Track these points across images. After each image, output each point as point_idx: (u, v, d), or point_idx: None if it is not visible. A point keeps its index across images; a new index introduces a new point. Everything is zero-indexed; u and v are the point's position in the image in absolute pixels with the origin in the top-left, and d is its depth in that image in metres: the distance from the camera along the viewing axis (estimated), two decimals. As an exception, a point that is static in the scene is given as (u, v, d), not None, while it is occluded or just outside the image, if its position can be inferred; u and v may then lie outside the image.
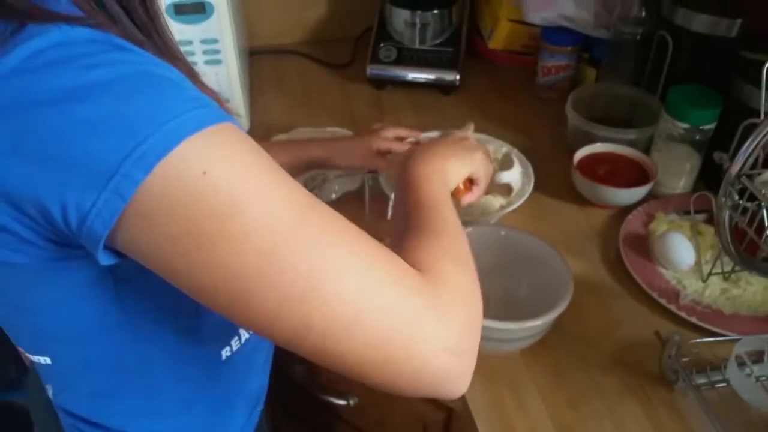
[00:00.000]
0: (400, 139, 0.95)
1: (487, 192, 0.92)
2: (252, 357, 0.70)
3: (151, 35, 0.46)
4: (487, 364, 0.79)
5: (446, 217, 0.60)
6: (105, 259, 0.41)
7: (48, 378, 0.62)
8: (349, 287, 0.42)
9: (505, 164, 0.96)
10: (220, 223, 0.39)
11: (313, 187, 0.89)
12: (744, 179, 0.65)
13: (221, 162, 0.40)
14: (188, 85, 0.43)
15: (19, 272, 0.46)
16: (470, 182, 0.82)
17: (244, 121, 1.16)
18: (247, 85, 1.26)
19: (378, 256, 0.45)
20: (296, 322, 0.42)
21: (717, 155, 0.66)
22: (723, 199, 0.68)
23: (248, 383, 0.71)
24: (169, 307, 0.55)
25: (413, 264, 0.49)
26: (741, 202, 0.70)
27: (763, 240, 0.69)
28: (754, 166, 0.65)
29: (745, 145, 0.63)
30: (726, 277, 0.80)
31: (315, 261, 0.41)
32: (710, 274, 0.81)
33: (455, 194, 0.79)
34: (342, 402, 0.95)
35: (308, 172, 0.94)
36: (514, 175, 0.95)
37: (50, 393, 0.64)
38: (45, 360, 0.56)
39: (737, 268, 0.76)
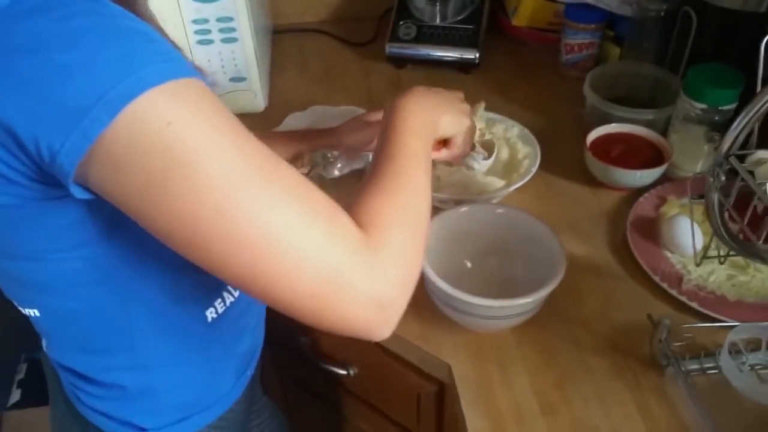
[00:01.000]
0: None
1: (451, 165, 0.94)
2: (240, 321, 0.71)
3: None
4: (476, 341, 0.79)
5: (414, 177, 0.61)
6: (78, 193, 0.45)
7: (40, 331, 0.65)
8: (290, 240, 0.46)
9: (486, 149, 0.94)
10: (180, 175, 0.43)
11: (317, 164, 0.90)
12: (732, 159, 0.62)
13: (185, 115, 0.43)
14: (159, 39, 0.46)
15: (6, 214, 0.50)
16: (443, 143, 0.81)
17: (261, 99, 1.17)
18: (267, 63, 1.27)
19: (321, 212, 0.49)
20: (243, 269, 0.46)
21: (708, 134, 0.63)
22: (711, 180, 0.65)
23: (236, 347, 0.73)
24: (151, 263, 0.58)
25: (359, 219, 0.52)
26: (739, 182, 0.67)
27: (746, 221, 0.66)
28: (746, 145, 0.63)
29: (735, 123, 0.61)
30: (721, 261, 0.78)
31: (263, 217, 0.45)
32: (704, 257, 0.79)
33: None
34: (343, 372, 0.97)
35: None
36: (482, 164, 0.93)
37: (44, 346, 0.67)
38: (34, 312, 0.59)
39: (732, 252, 0.74)
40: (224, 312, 0.67)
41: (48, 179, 0.45)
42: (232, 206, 0.44)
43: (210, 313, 0.66)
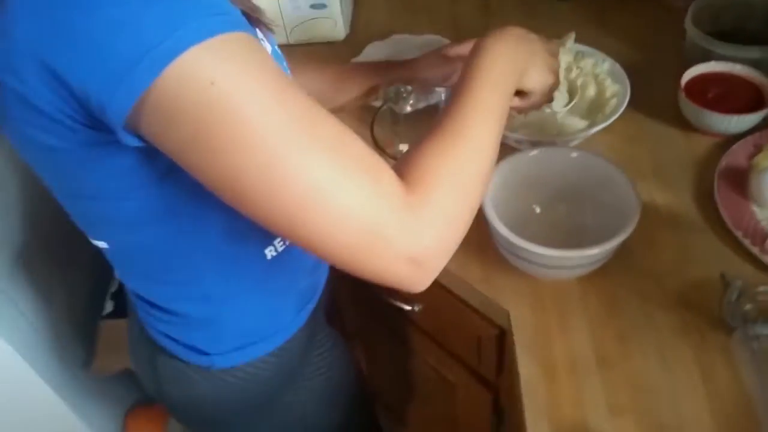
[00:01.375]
0: None
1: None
2: (301, 259, 0.74)
3: None
4: (539, 287, 0.79)
5: (479, 135, 0.58)
6: (129, 141, 0.48)
7: (110, 261, 0.70)
8: (332, 195, 0.47)
9: (569, 92, 0.90)
10: (224, 133, 0.44)
11: (389, 98, 0.89)
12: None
13: (229, 72, 0.43)
14: None
15: (68, 157, 0.53)
16: (517, 92, 0.76)
17: (341, 26, 1.16)
18: (350, -12, 1.25)
19: (364, 168, 0.49)
20: (286, 221, 0.48)
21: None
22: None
23: (295, 283, 0.76)
24: (207, 205, 0.60)
25: (408, 175, 0.53)
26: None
27: None
28: None
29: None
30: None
31: (306, 173, 0.46)
32: None
33: None
34: (408, 307, 0.99)
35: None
36: (560, 109, 0.89)
37: (117, 274, 0.73)
38: (103, 244, 0.64)
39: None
40: (284, 250, 0.70)
41: (100, 126, 0.47)
42: (276, 162, 0.45)
43: (269, 251, 0.69)
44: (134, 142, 0.48)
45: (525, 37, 0.71)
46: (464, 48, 0.92)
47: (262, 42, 0.58)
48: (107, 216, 0.60)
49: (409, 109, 0.90)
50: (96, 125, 0.48)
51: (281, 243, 0.69)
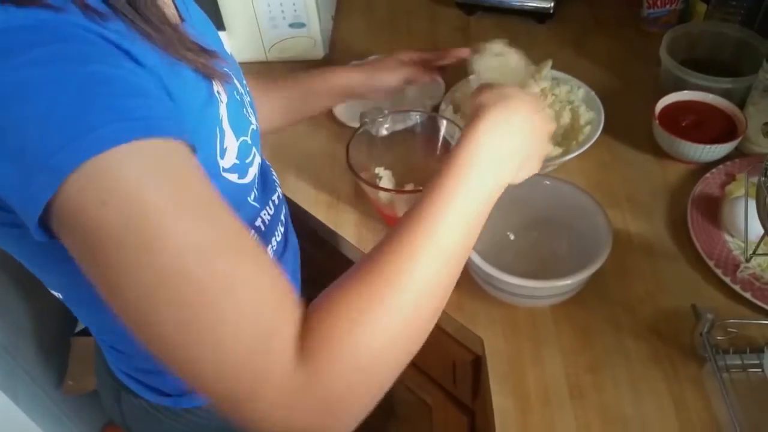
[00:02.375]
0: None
1: None
2: None
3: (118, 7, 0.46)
4: (513, 315, 0.79)
5: (426, 273, 0.48)
6: (39, 237, 0.42)
7: (70, 309, 0.67)
8: (214, 353, 0.41)
9: None
10: (113, 255, 0.40)
11: (365, 122, 0.89)
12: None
13: (123, 194, 0.39)
14: (128, 87, 0.42)
15: None
16: None
17: (320, 46, 1.16)
18: (331, 8, 1.25)
19: (262, 323, 0.42)
20: (162, 347, 0.42)
21: (765, 128, 0.58)
22: (762, 179, 0.60)
23: None
24: None
25: (311, 335, 0.44)
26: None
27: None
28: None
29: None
30: (776, 258, 0.73)
31: (189, 312, 0.41)
32: (754, 253, 0.74)
33: None
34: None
35: (366, 108, 0.93)
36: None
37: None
38: (58, 295, 0.62)
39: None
40: None
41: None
42: (159, 294, 0.40)
43: None
44: (44, 239, 0.43)
45: (509, 109, 0.58)
46: (419, 55, 0.94)
47: (218, 95, 0.55)
48: (53, 277, 0.59)
49: (385, 132, 0.90)
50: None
51: None
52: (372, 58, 1.15)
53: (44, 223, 0.41)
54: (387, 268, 0.47)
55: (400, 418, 1.29)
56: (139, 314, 0.41)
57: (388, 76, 0.91)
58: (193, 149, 0.46)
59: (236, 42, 1.14)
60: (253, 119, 0.64)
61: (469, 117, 0.58)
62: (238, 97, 0.60)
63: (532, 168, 0.61)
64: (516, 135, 0.57)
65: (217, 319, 0.41)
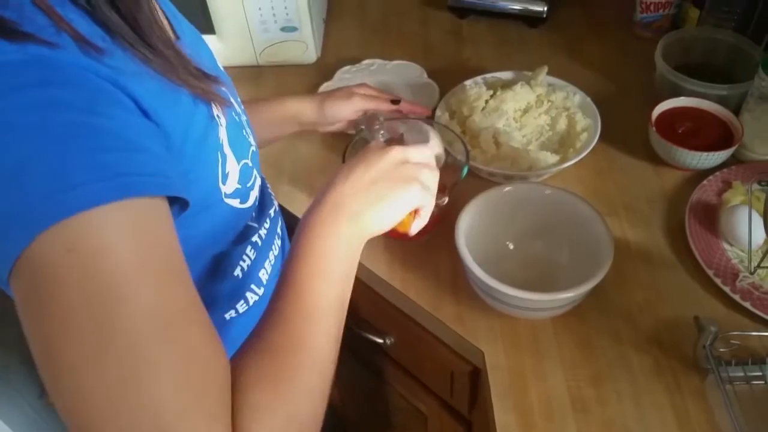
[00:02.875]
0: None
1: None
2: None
3: (121, 31, 0.44)
4: (514, 328, 0.78)
5: (317, 341, 0.50)
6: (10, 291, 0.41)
7: None
8: (147, 421, 0.39)
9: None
10: (64, 306, 0.38)
11: (361, 129, 0.87)
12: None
13: (91, 248, 0.38)
14: (124, 137, 0.40)
15: None
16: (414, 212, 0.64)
17: (312, 50, 1.14)
18: (322, 11, 1.23)
19: (198, 407, 0.40)
20: (83, 414, 0.39)
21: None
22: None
23: None
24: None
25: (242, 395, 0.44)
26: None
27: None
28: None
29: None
30: (779, 270, 0.73)
31: (129, 387, 0.38)
32: (759, 266, 0.74)
33: (399, 228, 0.62)
34: (379, 340, 0.98)
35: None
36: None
37: None
38: None
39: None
40: (245, 311, 0.67)
41: None
42: (98, 363, 0.38)
43: (229, 314, 0.66)
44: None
45: (352, 180, 0.58)
46: (377, 92, 0.93)
47: (218, 119, 0.54)
48: None
49: (381, 139, 0.89)
50: None
51: (243, 305, 0.67)
52: (366, 61, 1.15)
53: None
54: (294, 336, 0.49)
55: (395, 427, 1.28)
56: (73, 377, 0.38)
57: (343, 105, 0.89)
58: (179, 201, 0.45)
59: (226, 46, 1.12)
60: (251, 140, 0.63)
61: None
62: (236, 117, 0.59)
63: (394, 216, 0.59)
64: (370, 187, 0.57)
65: (159, 399, 0.39)
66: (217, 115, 0.54)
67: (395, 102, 0.92)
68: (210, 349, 0.43)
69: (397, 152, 0.60)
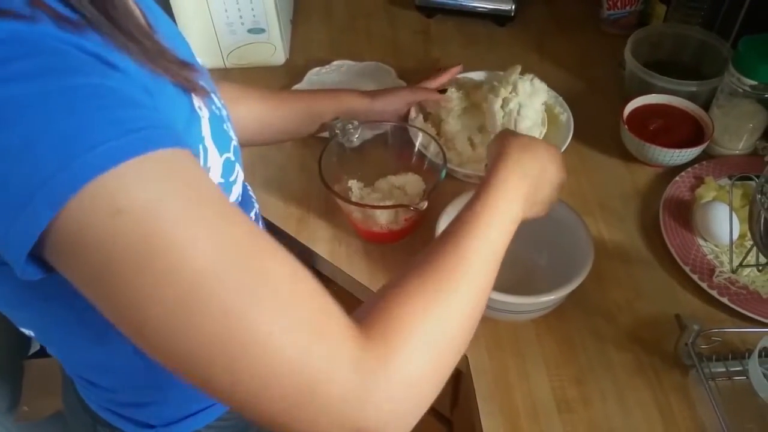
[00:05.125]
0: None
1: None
2: None
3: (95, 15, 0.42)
4: (496, 330, 0.77)
5: (476, 279, 0.51)
6: (30, 275, 0.39)
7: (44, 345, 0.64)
8: (267, 359, 0.39)
9: None
10: (132, 268, 0.37)
11: (335, 133, 0.86)
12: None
13: (138, 205, 0.36)
14: (125, 97, 0.39)
15: None
16: None
17: (281, 52, 1.12)
18: (288, 13, 1.21)
19: (316, 321, 0.41)
20: (203, 370, 0.39)
21: (760, 144, 0.58)
22: (759, 196, 0.60)
23: None
24: None
25: (372, 327, 0.44)
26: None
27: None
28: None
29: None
30: (760, 269, 0.74)
31: (237, 323, 0.38)
32: (741, 265, 0.75)
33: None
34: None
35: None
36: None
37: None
38: (29, 333, 0.57)
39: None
40: None
41: None
42: (195, 302, 0.37)
43: None
44: (35, 276, 0.39)
45: (536, 162, 0.64)
46: (426, 87, 0.96)
47: (199, 110, 0.52)
48: (27, 315, 0.54)
49: (356, 142, 0.87)
50: None
51: None
52: (336, 62, 1.13)
53: (34, 257, 0.37)
54: (440, 273, 0.49)
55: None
56: (168, 332, 0.38)
57: (393, 99, 0.92)
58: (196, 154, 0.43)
59: (192, 49, 1.09)
60: (233, 134, 0.61)
61: (490, 157, 0.65)
62: (217, 111, 0.57)
63: (540, 211, 0.67)
64: (533, 178, 0.62)
65: (262, 322, 0.39)
66: (199, 107, 0.52)
67: (442, 91, 0.96)
68: (289, 268, 0.42)
69: (560, 168, 0.67)
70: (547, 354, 0.75)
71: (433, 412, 1.01)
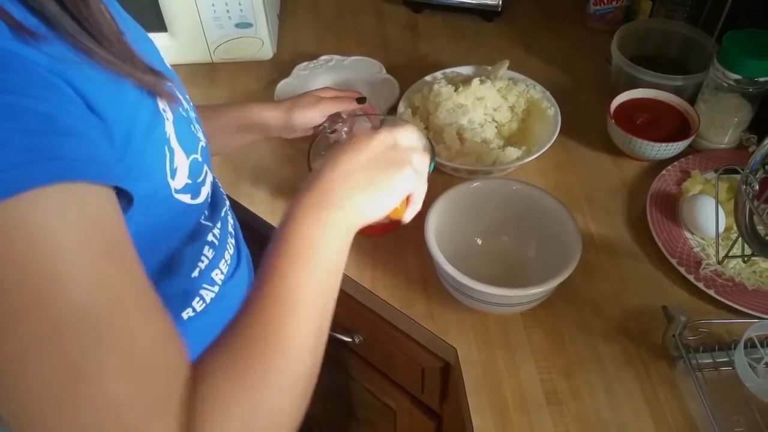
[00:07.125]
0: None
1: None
2: (221, 314, 0.68)
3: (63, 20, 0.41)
4: (485, 323, 0.78)
5: (295, 333, 0.47)
6: None
7: None
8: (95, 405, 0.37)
9: None
10: None
11: (324, 127, 0.86)
12: (768, 165, 0.58)
13: (26, 232, 0.36)
14: (52, 120, 0.38)
15: None
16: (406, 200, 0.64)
17: (268, 47, 1.12)
18: (275, 7, 1.21)
19: (143, 385, 0.38)
20: (24, 413, 0.37)
21: (744, 135, 0.59)
22: (743, 187, 0.61)
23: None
24: None
25: (207, 387, 0.41)
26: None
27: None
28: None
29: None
30: (745, 260, 0.74)
31: (71, 371, 0.36)
32: (726, 256, 0.76)
33: (392, 215, 0.61)
34: (347, 339, 0.96)
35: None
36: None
37: None
38: None
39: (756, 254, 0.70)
40: (203, 309, 0.65)
41: None
42: (41, 348, 0.36)
43: (186, 313, 0.64)
44: None
45: (345, 162, 0.55)
46: (337, 93, 0.91)
47: (163, 113, 0.52)
48: None
49: (345, 135, 0.87)
50: None
51: (200, 302, 0.65)
52: (324, 57, 1.13)
53: None
54: (251, 340, 0.45)
55: (362, 422, 1.27)
56: (11, 372, 0.35)
57: (312, 112, 0.87)
58: (125, 196, 0.43)
59: (179, 44, 1.09)
60: (201, 135, 0.61)
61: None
62: (184, 113, 0.57)
63: (388, 202, 0.57)
64: (360, 173, 0.55)
65: (104, 380, 0.37)
66: (163, 109, 0.52)
67: (361, 100, 0.90)
68: (157, 337, 0.41)
69: (385, 135, 0.57)
70: (535, 346, 0.75)
71: (423, 407, 1.01)
